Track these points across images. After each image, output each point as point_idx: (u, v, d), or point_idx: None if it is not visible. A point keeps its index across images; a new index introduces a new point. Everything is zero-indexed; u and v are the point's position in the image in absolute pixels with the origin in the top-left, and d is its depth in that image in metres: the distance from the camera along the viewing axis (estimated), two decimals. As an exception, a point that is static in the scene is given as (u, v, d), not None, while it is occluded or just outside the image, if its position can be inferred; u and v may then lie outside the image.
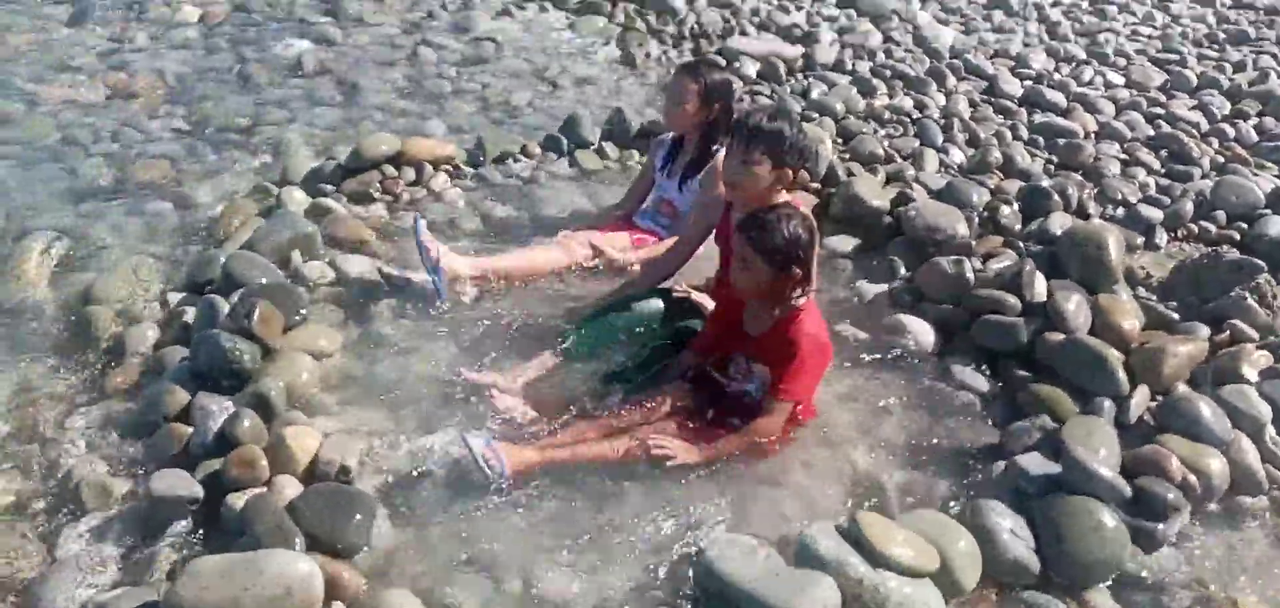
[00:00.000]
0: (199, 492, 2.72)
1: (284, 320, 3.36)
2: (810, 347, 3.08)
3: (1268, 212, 4.68)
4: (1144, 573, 2.73)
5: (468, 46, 6.69)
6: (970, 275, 3.81)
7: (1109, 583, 2.69)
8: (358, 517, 2.62)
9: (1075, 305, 3.57)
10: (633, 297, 3.67)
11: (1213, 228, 4.61)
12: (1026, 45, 7.07)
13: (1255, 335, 3.58)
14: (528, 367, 3.38)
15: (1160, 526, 2.78)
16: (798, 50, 6.69)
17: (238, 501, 2.68)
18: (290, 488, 2.71)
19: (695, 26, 7.17)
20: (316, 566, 2.37)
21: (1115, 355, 3.30)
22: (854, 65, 6.48)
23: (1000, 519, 2.69)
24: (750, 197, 3.38)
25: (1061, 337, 3.46)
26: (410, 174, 4.68)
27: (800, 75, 6.38)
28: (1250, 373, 3.35)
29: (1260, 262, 3.87)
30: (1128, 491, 2.77)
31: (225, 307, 3.36)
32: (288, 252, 3.92)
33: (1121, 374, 3.25)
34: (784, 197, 3.41)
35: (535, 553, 2.67)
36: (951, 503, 2.95)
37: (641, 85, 6.31)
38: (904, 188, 4.62)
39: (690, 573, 2.57)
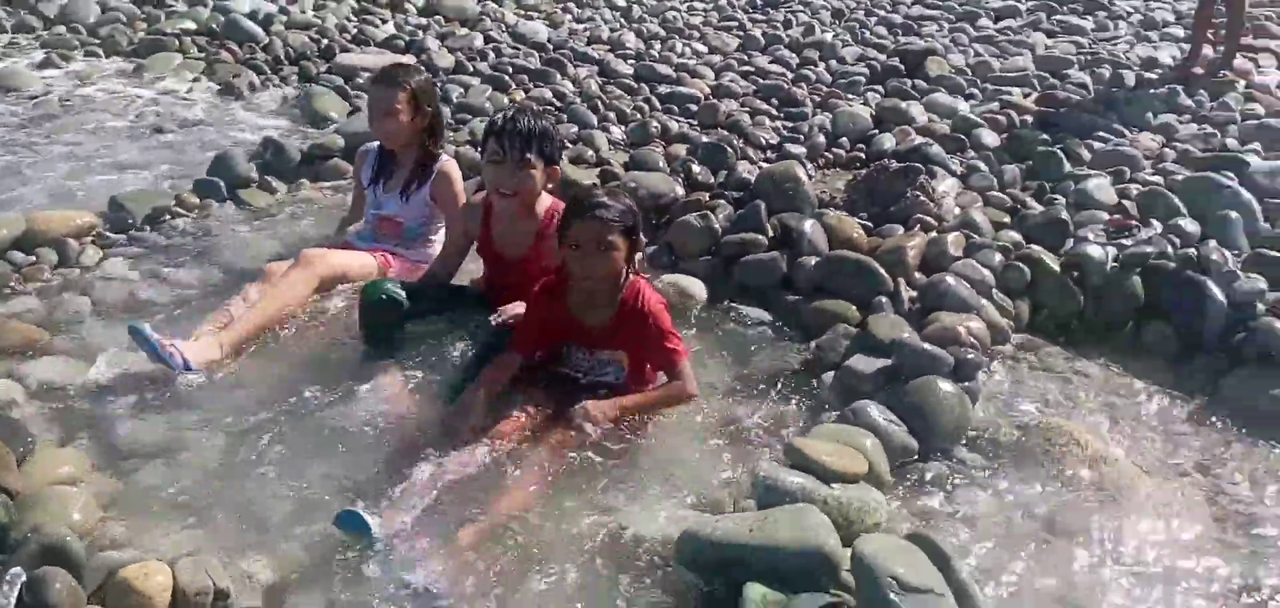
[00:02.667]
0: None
1: (15, 457, 2.57)
2: (661, 305, 3.11)
3: (876, 132, 5.53)
4: (979, 423, 3.11)
5: (28, 108, 5.52)
6: (718, 227, 4.03)
7: (964, 441, 3.03)
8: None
9: (811, 229, 3.95)
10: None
11: (843, 153, 5.33)
12: (613, 30, 7.53)
13: (934, 223, 4.22)
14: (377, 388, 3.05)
15: (974, 381, 3.20)
16: (411, 59, 6.48)
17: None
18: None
19: (289, 51, 6.62)
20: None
21: (873, 262, 3.70)
22: (473, 67, 6.44)
23: (877, 415, 2.91)
24: (527, 200, 3.33)
25: (819, 258, 3.81)
26: (51, 255, 3.78)
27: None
28: (955, 251, 3.95)
29: (918, 164, 4.57)
30: (951, 360, 3.14)
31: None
32: (-58, 382, 2.99)
33: (884, 274, 3.66)
34: (544, 199, 3.42)
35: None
36: (812, 420, 3.11)
37: (260, 115, 5.70)
38: (601, 168, 4.73)
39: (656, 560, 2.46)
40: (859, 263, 3.70)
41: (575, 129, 5.42)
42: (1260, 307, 3.59)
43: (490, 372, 3.13)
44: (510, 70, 6.33)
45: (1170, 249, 3.91)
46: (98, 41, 6.74)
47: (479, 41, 7.03)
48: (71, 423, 2.93)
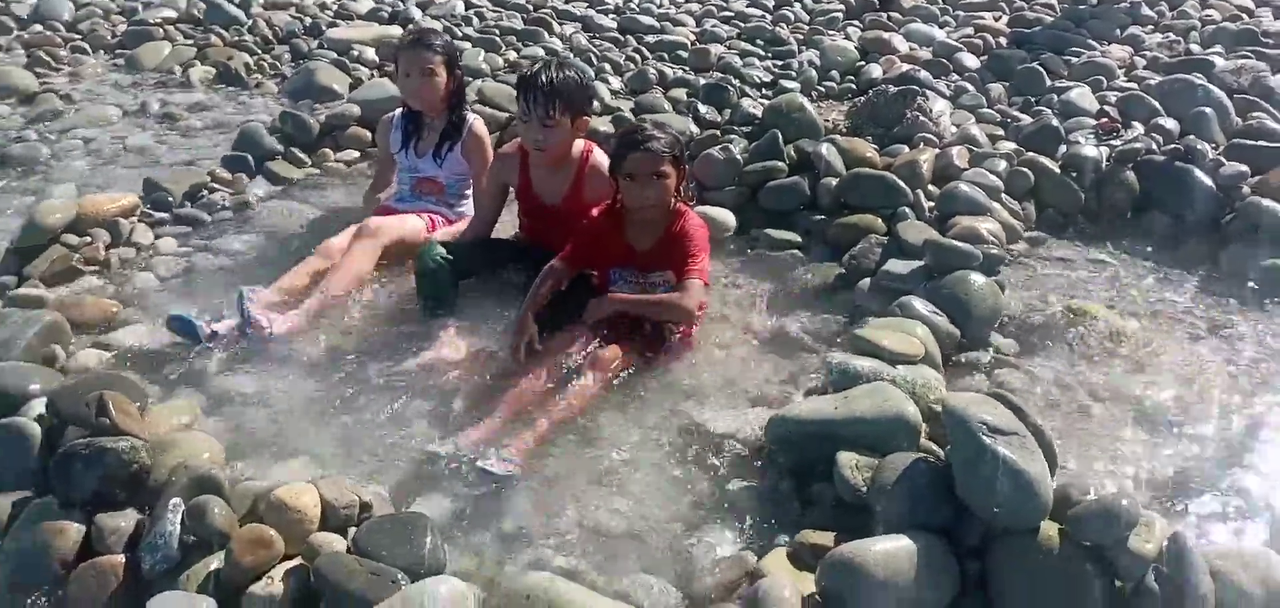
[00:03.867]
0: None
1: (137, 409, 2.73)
2: (702, 232, 3.30)
3: (863, 63, 5.78)
4: (1010, 311, 3.39)
5: (31, 107, 5.55)
6: (740, 157, 4.25)
7: (998, 326, 3.30)
8: (428, 538, 2.31)
9: (828, 152, 4.19)
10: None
11: (835, 85, 5.58)
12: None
13: (936, 140, 4.49)
14: (442, 342, 3.18)
15: (997, 273, 3.46)
16: (396, 29, 6.58)
17: (268, 586, 2.22)
18: (329, 544, 2.29)
19: (275, 31, 6.69)
20: (464, 585, 2.09)
21: (893, 176, 3.95)
22: (461, 32, 6.56)
23: (922, 307, 3.17)
24: (556, 154, 3.47)
25: (839, 178, 4.06)
26: (104, 235, 3.89)
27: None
28: (961, 163, 4.22)
29: (915, 85, 4.83)
30: (980, 254, 3.41)
31: (32, 426, 2.66)
32: (39, 351, 3.12)
33: (904, 186, 3.91)
34: (578, 144, 3.56)
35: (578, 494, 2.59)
36: (856, 323, 3.35)
37: (265, 96, 5.79)
38: (612, 115, 4.93)
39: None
40: (880, 178, 3.95)
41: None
42: (1245, 188, 3.91)
43: (538, 285, 3.31)
44: (498, 32, 6.45)
45: (1155, 145, 4.21)
46: (80, 36, 6.74)
47: (459, 7, 7.13)
48: (166, 383, 3.06)
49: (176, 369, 3.15)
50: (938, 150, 4.25)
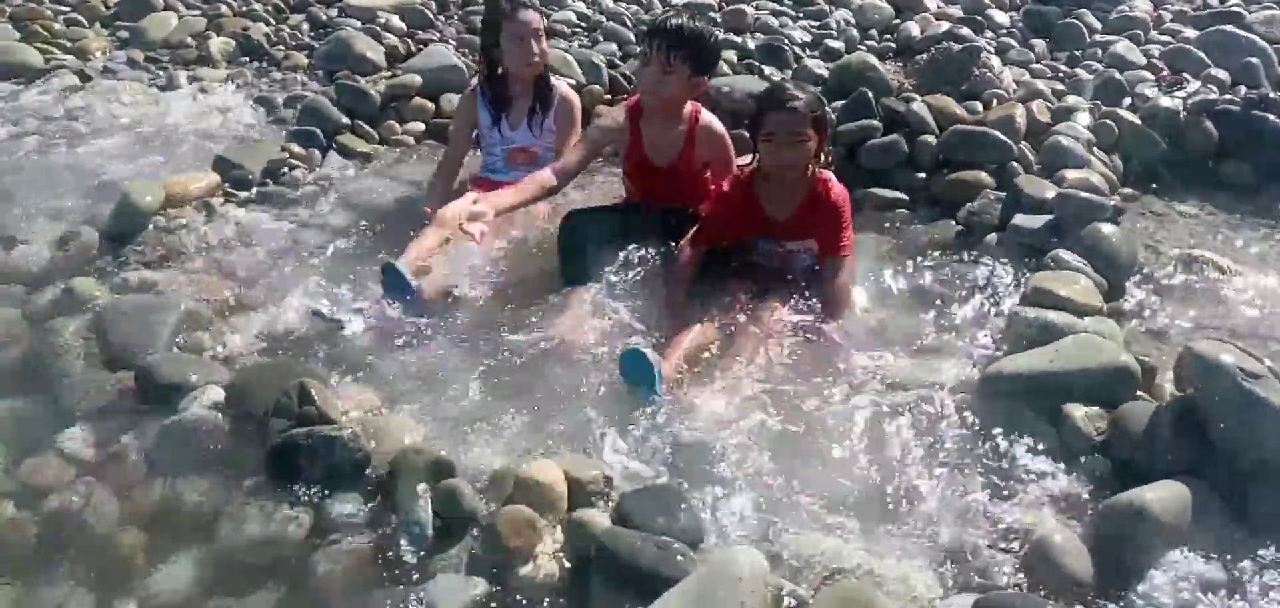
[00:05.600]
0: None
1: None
2: (847, 203, 3.30)
3: (898, 21, 5.83)
4: (1145, 255, 3.50)
5: (43, 85, 5.23)
6: (833, 117, 4.26)
7: (1135, 277, 3.39)
8: (685, 506, 2.30)
9: (920, 108, 4.23)
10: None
11: (874, 42, 5.61)
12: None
13: (1005, 93, 4.57)
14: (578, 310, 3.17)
15: (1117, 224, 3.55)
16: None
17: (538, 566, 2.18)
18: (597, 520, 2.25)
19: (287, -1, 6.44)
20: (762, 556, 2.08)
21: (996, 131, 4.02)
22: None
23: (1073, 259, 3.23)
24: (666, 106, 3.44)
25: (939, 135, 4.10)
26: (197, 216, 3.72)
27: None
28: (1045, 117, 4.30)
29: (979, 42, 4.90)
30: (1110, 204, 3.49)
31: (213, 416, 2.57)
32: (176, 333, 2.99)
33: (1008, 140, 3.98)
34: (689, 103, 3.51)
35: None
36: (995, 281, 3.41)
37: (298, 70, 5.56)
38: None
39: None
40: (985, 134, 4.01)
41: (615, 47, 5.52)
42: (1322, 134, 4.08)
43: (678, 267, 3.30)
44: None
45: (1231, 95, 4.36)
46: (70, 8, 6.37)
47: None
48: (323, 364, 2.95)
49: (326, 350, 3.04)
50: (1020, 106, 4.32)
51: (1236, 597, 2.08)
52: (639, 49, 3.43)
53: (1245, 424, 2.21)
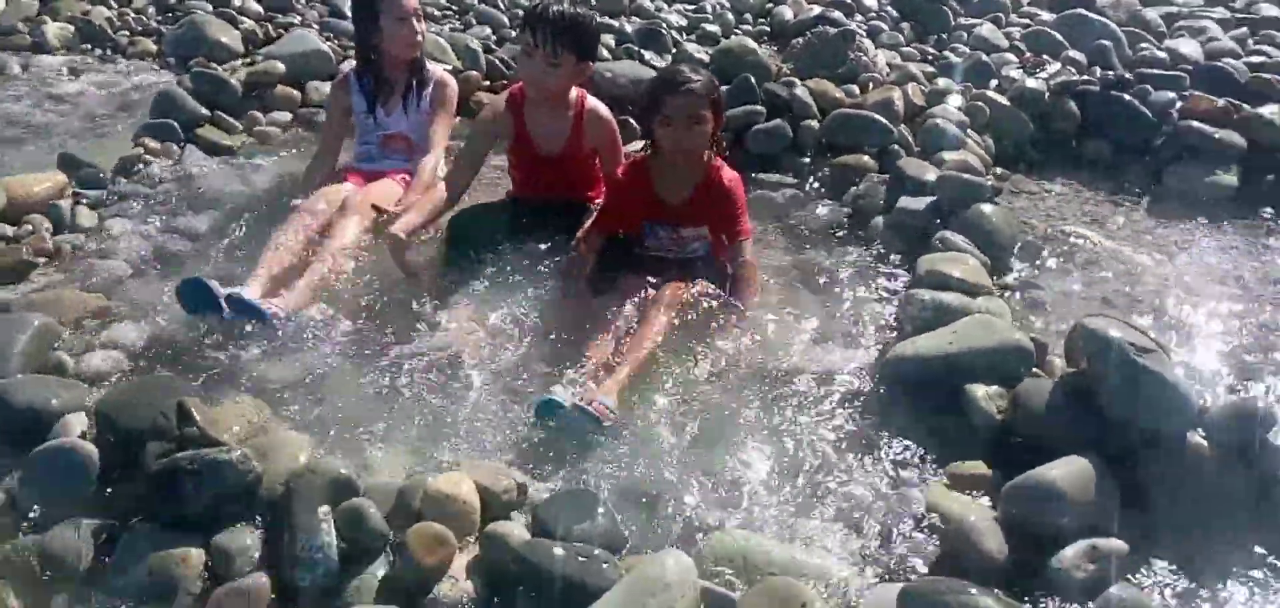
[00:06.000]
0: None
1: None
2: (741, 188, 3.30)
3: (770, 5, 5.89)
4: (1021, 232, 3.63)
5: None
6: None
7: (1015, 253, 3.51)
8: (602, 510, 2.23)
9: (802, 91, 4.28)
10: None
11: (749, 26, 5.66)
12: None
13: (880, 76, 4.67)
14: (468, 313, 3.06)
15: (995, 204, 3.66)
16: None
17: (455, 586, 2.08)
18: (514, 532, 2.15)
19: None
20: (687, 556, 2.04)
21: (876, 114, 4.10)
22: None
23: (959, 240, 3.30)
24: (554, 96, 3.37)
25: (821, 118, 4.16)
26: (44, 222, 3.41)
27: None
28: (920, 99, 4.42)
29: (852, 27, 4.99)
30: (989, 184, 3.60)
31: (87, 446, 2.35)
32: (38, 360, 2.73)
33: (888, 123, 4.06)
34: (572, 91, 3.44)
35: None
36: (885, 262, 3.47)
37: (146, 57, 5.19)
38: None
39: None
40: (867, 117, 4.08)
41: (489, 30, 5.39)
42: (1174, 113, 4.32)
43: (569, 262, 3.23)
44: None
45: (1089, 77, 4.58)
46: None
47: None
48: (205, 376, 2.75)
49: (199, 363, 2.82)
50: (897, 89, 4.42)
51: (1138, 566, 2.16)
52: (520, 37, 3.29)
53: (1135, 397, 2.29)
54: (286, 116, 4.47)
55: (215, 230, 3.55)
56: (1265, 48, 5.04)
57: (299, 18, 5.49)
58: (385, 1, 3.69)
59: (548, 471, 2.48)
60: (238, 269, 3.27)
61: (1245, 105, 4.26)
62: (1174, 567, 2.20)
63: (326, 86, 4.61)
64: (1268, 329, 3.13)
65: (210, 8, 5.52)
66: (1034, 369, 2.66)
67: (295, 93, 4.55)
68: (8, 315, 2.86)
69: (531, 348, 2.98)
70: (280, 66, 4.60)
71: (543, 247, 3.32)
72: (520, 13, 5.55)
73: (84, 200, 3.60)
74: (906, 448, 2.53)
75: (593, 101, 3.50)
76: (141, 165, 3.85)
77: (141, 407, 2.40)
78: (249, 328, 2.89)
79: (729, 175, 3.26)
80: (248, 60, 4.88)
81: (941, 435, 2.56)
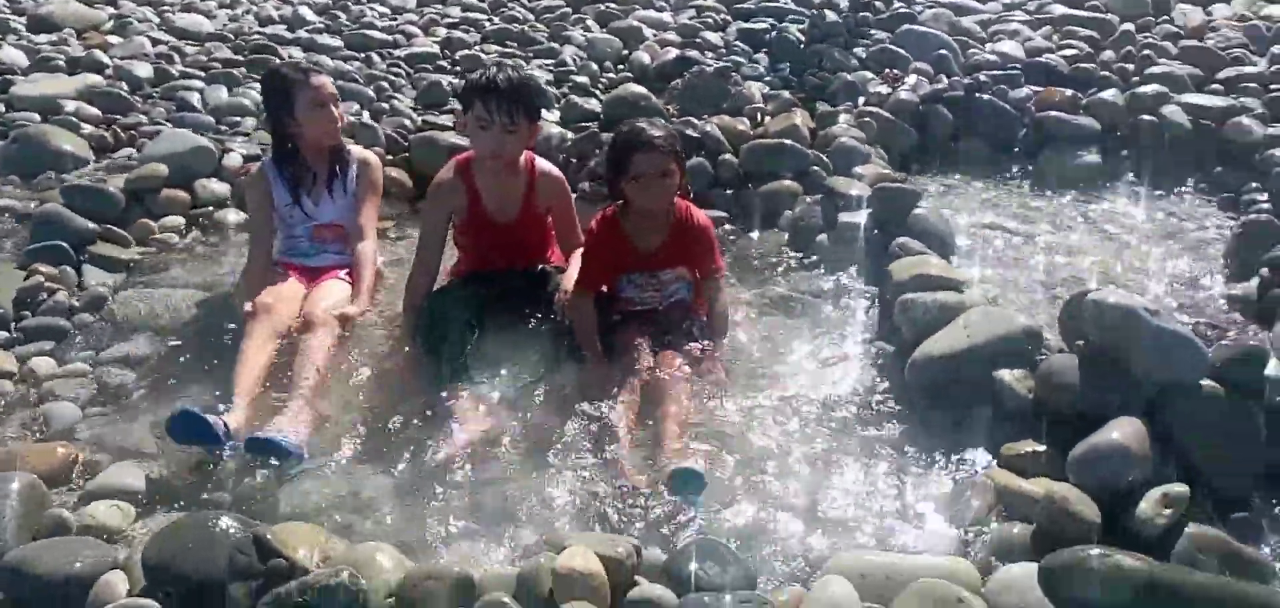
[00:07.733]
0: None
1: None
2: (711, 227, 3.40)
3: (626, 52, 6.04)
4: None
5: None
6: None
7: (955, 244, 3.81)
8: (731, 556, 2.25)
9: (713, 128, 4.46)
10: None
11: (613, 75, 5.78)
12: (280, 7, 7.05)
13: (763, 109, 4.92)
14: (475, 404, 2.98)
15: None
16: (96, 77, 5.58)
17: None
18: (661, 593, 2.12)
19: None
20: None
21: (792, 142, 4.32)
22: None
23: (912, 243, 3.52)
24: (509, 162, 3.37)
25: (742, 151, 4.34)
26: (-45, 374, 3.01)
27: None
28: (810, 123, 4.69)
29: (728, 65, 5.22)
30: (918, 191, 3.88)
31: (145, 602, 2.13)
32: (31, 524, 2.42)
33: (804, 148, 4.29)
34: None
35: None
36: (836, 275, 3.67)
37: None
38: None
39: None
40: (783, 146, 4.29)
41: (356, 105, 5.22)
42: (1032, 106, 4.82)
43: (580, 325, 3.23)
44: (206, 70, 5.72)
45: (952, 84, 5.02)
46: None
47: (147, 47, 6.19)
48: (237, 508, 2.53)
49: (217, 497, 2.60)
50: (798, 115, 4.67)
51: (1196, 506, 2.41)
52: (469, 112, 3.24)
53: (1163, 354, 2.56)
54: (179, 220, 4.12)
55: (156, 354, 3.25)
56: (1073, 42, 5.69)
57: (144, 117, 5.07)
58: (300, 89, 3.53)
59: (638, 531, 2.45)
60: (199, 389, 3.03)
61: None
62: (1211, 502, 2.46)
63: (215, 185, 4.33)
64: (1193, 279, 3.57)
65: (38, 118, 4.98)
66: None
67: (183, 194, 4.21)
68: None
69: (548, 417, 2.93)
70: (162, 168, 4.23)
71: (528, 317, 3.28)
72: (384, 86, 5.43)
73: (-6, 345, 3.18)
74: (954, 441, 2.69)
75: (542, 162, 3.50)
76: (44, 295, 3.45)
77: (202, 549, 2.19)
78: (274, 463, 2.67)
79: (700, 217, 3.35)
80: (104, 167, 4.47)
81: (975, 424, 2.74)
